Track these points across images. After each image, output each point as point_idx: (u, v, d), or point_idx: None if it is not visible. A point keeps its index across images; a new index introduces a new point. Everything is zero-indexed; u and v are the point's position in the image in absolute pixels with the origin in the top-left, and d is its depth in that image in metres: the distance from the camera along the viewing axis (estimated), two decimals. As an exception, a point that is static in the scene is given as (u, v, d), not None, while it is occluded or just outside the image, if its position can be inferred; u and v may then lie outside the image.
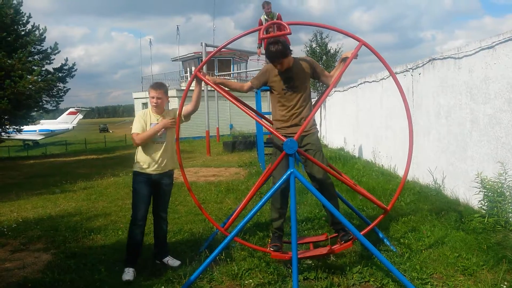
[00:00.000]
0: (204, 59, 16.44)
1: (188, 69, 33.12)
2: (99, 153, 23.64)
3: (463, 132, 6.48)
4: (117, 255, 4.85)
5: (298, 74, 4.21)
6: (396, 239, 4.94)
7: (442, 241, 4.75)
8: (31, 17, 19.24)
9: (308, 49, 21.60)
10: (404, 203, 6.54)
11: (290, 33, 3.99)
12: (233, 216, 4.13)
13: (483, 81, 5.93)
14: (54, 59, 20.16)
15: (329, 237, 4.53)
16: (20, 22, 19.02)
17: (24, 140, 35.22)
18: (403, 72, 8.87)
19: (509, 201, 5.20)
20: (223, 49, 5.43)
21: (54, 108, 22.07)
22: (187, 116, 4.51)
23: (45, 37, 19.68)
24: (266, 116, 5.90)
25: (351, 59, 4.00)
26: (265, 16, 10.83)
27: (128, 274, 4.16)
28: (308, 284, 3.89)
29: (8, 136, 23.18)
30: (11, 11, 17.62)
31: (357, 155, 12.96)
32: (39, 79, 17.96)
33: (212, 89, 4.27)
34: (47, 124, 40.92)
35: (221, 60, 31.88)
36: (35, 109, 20.83)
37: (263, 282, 3.94)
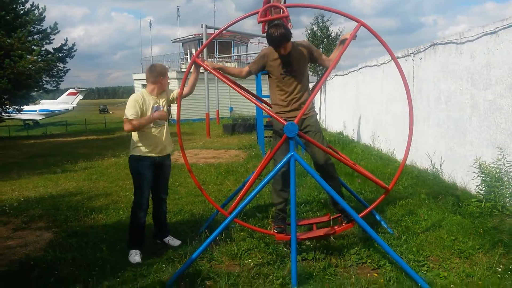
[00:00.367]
0: (204, 41, 16.31)
1: (188, 51, 32.78)
2: (99, 133, 23.62)
3: (463, 118, 6.50)
4: (118, 234, 4.92)
5: (296, 58, 4.15)
6: (394, 222, 5.00)
7: (439, 224, 4.80)
8: (30, -5, 19.14)
9: (309, 32, 21.40)
10: (402, 187, 6.59)
11: (287, 16, 3.92)
12: (237, 199, 4.15)
13: (484, 67, 5.92)
14: (53, 39, 20.08)
15: (331, 217, 4.56)
16: (19, 1, 18.82)
17: (24, 120, 35.17)
18: (404, 56, 8.82)
19: (507, 186, 5.26)
20: (223, 32, 5.39)
21: (54, 88, 22.05)
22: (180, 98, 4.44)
23: (44, 16, 19.54)
24: (266, 99, 5.88)
25: (349, 40, 3.95)
26: None
27: (137, 256, 4.21)
28: (306, 264, 3.97)
29: (9, 116, 23.18)
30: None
31: (356, 139, 13.00)
32: (39, 59, 17.88)
33: (213, 71, 4.22)
34: (47, 104, 40.76)
35: (221, 43, 31.63)
36: (35, 89, 20.82)
37: (262, 262, 4.00)
